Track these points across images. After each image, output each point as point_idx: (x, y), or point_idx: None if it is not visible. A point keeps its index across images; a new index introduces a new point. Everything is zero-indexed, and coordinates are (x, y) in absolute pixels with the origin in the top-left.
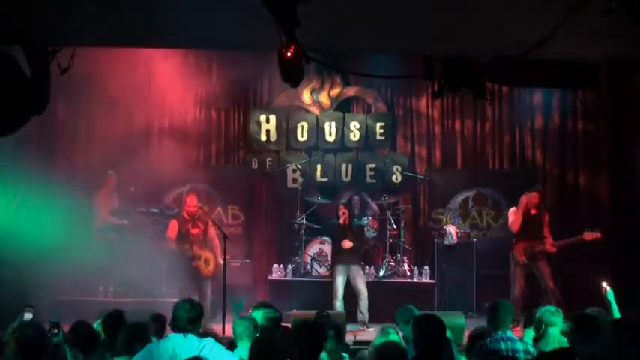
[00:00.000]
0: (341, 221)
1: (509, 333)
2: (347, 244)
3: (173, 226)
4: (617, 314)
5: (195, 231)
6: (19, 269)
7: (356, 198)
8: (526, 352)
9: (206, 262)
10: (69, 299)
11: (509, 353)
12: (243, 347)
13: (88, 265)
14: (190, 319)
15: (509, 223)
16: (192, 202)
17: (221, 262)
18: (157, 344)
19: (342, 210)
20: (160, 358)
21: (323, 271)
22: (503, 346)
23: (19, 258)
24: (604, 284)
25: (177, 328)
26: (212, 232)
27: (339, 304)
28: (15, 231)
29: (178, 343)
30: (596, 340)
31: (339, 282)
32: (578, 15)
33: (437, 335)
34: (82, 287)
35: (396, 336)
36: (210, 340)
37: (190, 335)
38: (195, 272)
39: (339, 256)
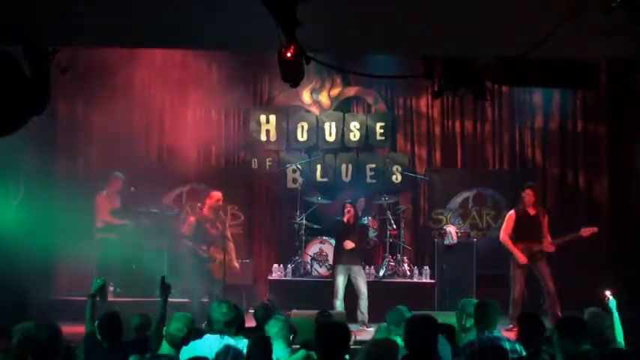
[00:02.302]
0: (345, 219)
1: (496, 332)
2: (349, 245)
3: (190, 222)
4: (617, 323)
5: (213, 231)
6: (19, 268)
7: (361, 199)
8: (513, 351)
9: (219, 264)
10: (69, 299)
11: None
12: (278, 348)
13: (88, 264)
14: (227, 321)
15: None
16: (217, 196)
17: (237, 265)
18: (193, 346)
19: (349, 208)
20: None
21: (323, 271)
22: None
23: (19, 257)
24: (607, 293)
25: (214, 330)
26: (229, 233)
27: (339, 304)
28: (15, 230)
29: (215, 344)
30: (583, 340)
31: (340, 282)
32: (578, 15)
33: (427, 335)
34: (82, 287)
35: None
36: (247, 341)
37: (227, 337)
38: (208, 274)
39: (341, 256)
